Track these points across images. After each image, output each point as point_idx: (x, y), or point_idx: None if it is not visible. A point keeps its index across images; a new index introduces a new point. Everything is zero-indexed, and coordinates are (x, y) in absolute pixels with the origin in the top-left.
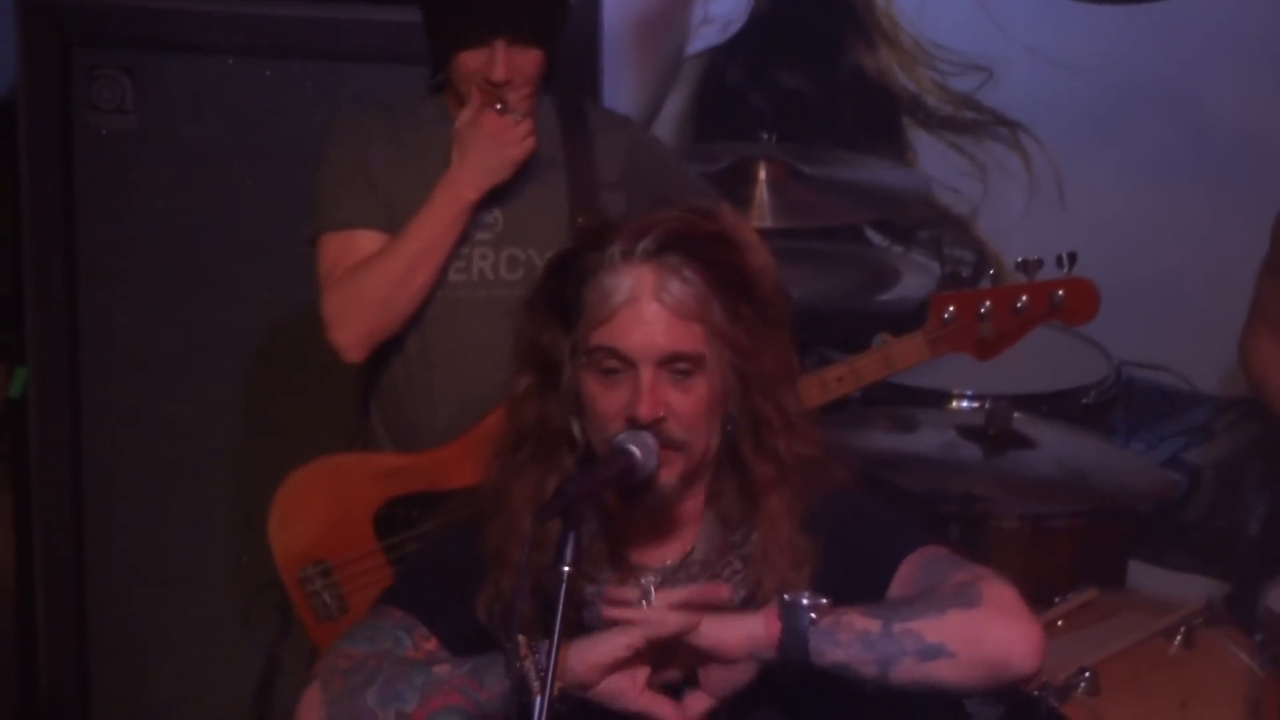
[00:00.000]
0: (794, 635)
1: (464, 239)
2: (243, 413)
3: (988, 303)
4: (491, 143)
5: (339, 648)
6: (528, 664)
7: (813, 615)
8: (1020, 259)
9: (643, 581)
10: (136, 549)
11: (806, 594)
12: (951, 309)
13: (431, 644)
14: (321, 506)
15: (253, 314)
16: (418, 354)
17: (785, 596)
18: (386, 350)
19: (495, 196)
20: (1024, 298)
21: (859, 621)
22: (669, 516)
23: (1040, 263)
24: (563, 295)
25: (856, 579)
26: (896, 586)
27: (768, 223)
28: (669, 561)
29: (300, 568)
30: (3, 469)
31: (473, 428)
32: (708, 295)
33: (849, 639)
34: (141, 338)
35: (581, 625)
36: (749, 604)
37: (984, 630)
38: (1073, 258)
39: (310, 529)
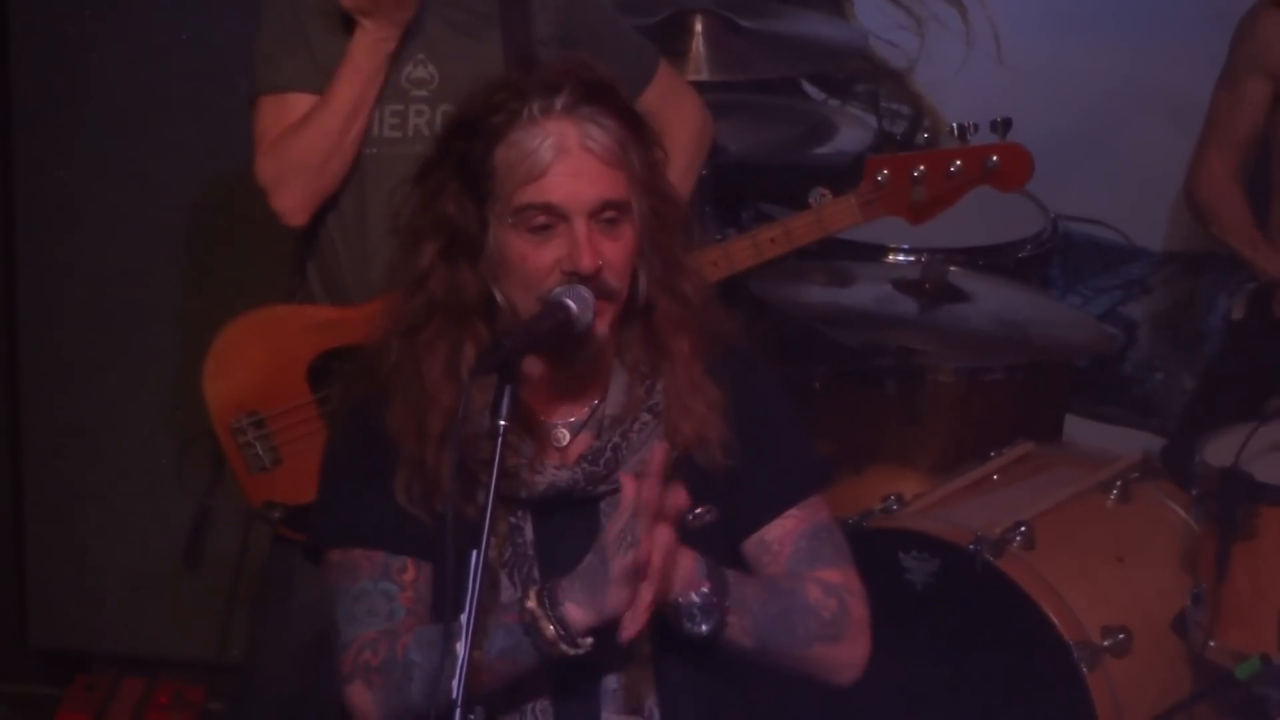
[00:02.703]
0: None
1: (400, 96)
2: (180, 267)
3: (921, 166)
4: (385, 1)
5: (352, 638)
6: (545, 623)
7: (703, 627)
8: (955, 124)
9: (557, 430)
10: (73, 402)
11: (701, 594)
12: (885, 172)
13: (409, 572)
14: (256, 357)
15: (189, 167)
16: (353, 211)
17: (681, 601)
18: (322, 209)
19: (431, 53)
20: (957, 162)
21: (742, 639)
22: (578, 372)
23: (975, 127)
24: (468, 160)
25: (751, 455)
26: (776, 531)
27: (704, 75)
28: (576, 417)
29: (233, 418)
30: None
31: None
32: (626, 141)
33: (734, 638)
34: (77, 190)
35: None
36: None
37: (834, 660)
38: (1007, 124)
39: (244, 379)
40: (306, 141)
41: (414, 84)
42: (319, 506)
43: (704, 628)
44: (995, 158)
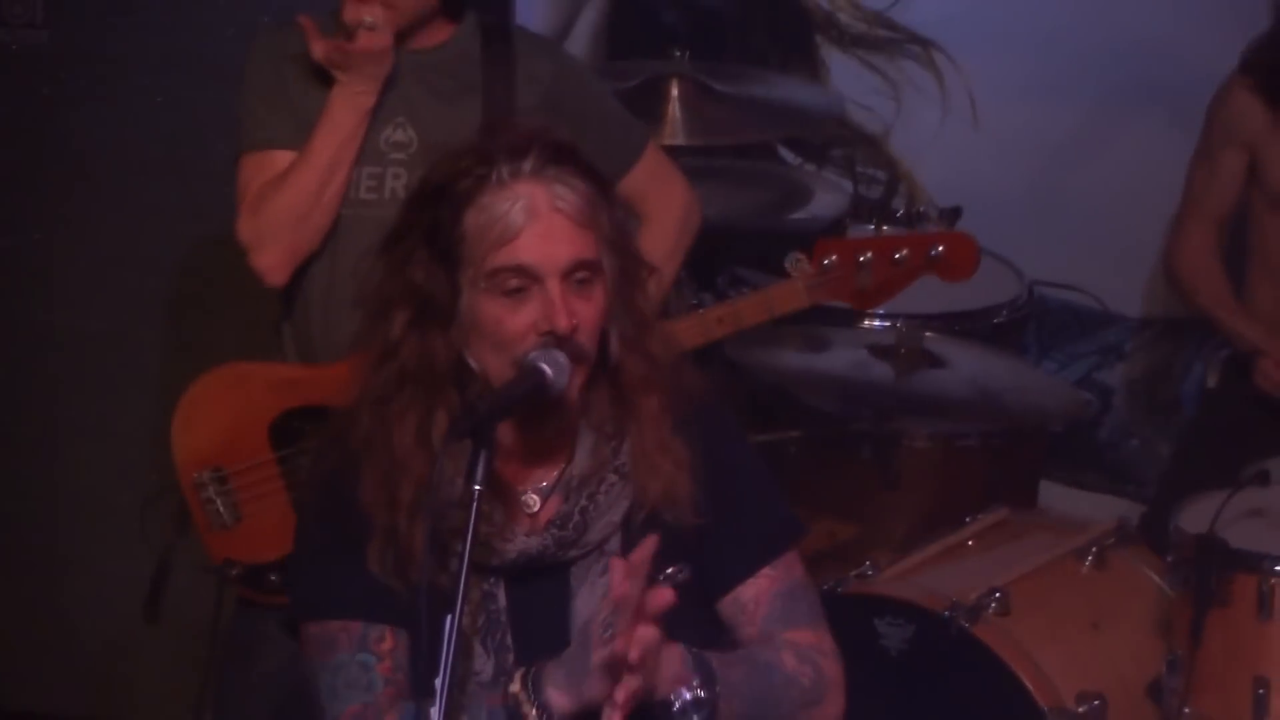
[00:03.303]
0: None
1: (378, 158)
2: (156, 331)
3: (868, 253)
4: (359, 56)
5: (336, 715)
6: (528, 708)
7: (699, 714)
8: (902, 210)
9: (527, 496)
10: (46, 465)
11: (691, 689)
12: (833, 257)
13: (386, 641)
14: (222, 413)
15: (169, 231)
16: (325, 271)
17: (671, 698)
18: (299, 269)
19: (411, 116)
20: (904, 250)
21: (727, 712)
22: (547, 436)
23: (923, 215)
24: (438, 227)
25: (721, 512)
26: (750, 590)
27: (680, 140)
28: (546, 482)
29: (197, 472)
30: None
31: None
32: (595, 201)
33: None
34: (55, 255)
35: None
36: (634, 515)
37: None
38: (956, 213)
39: (209, 434)
40: (284, 199)
41: (393, 147)
42: (293, 580)
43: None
44: (940, 247)
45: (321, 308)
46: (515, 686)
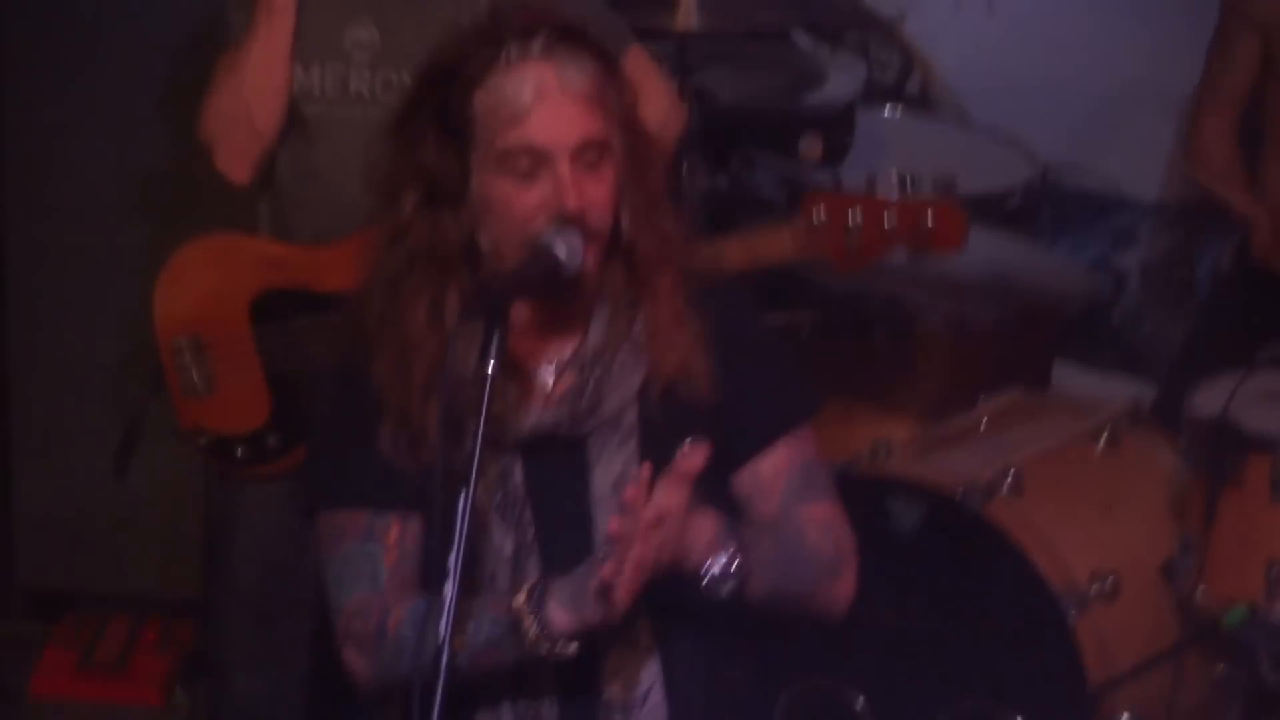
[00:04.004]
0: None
1: (343, 57)
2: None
3: (858, 215)
4: None
5: (341, 603)
6: (528, 621)
7: (726, 590)
8: (895, 175)
9: (541, 372)
10: (62, 344)
11: (728, 557)
12: (822, 212)
13: (393, 533)
14: (205, 281)
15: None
16: (293, 168)
17: (705, 567)
18: (267, 168)
19: (376, 15)
20: (894, 218)
21: (756, 595)
22: (562, 314)
23: (917, 181)
24: (447, 108)
25: (737, 386)
26: (768, 464)
27: (694, 25)
28: (560, 358)
29: (174, 338)
30: None
31: (355, 233)
32: (603, 81)
33: (750, 594)
34: (65, 131)
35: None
36: (650, 388)
37: (832, 596)
38: (950, 184)
39: (190, 301)
40: (224, 100)
41: (356, 46)
42: (307, 468)
43: (726, 591)
44: (930, 220)
45: (295, 205)
46: (520, 599)
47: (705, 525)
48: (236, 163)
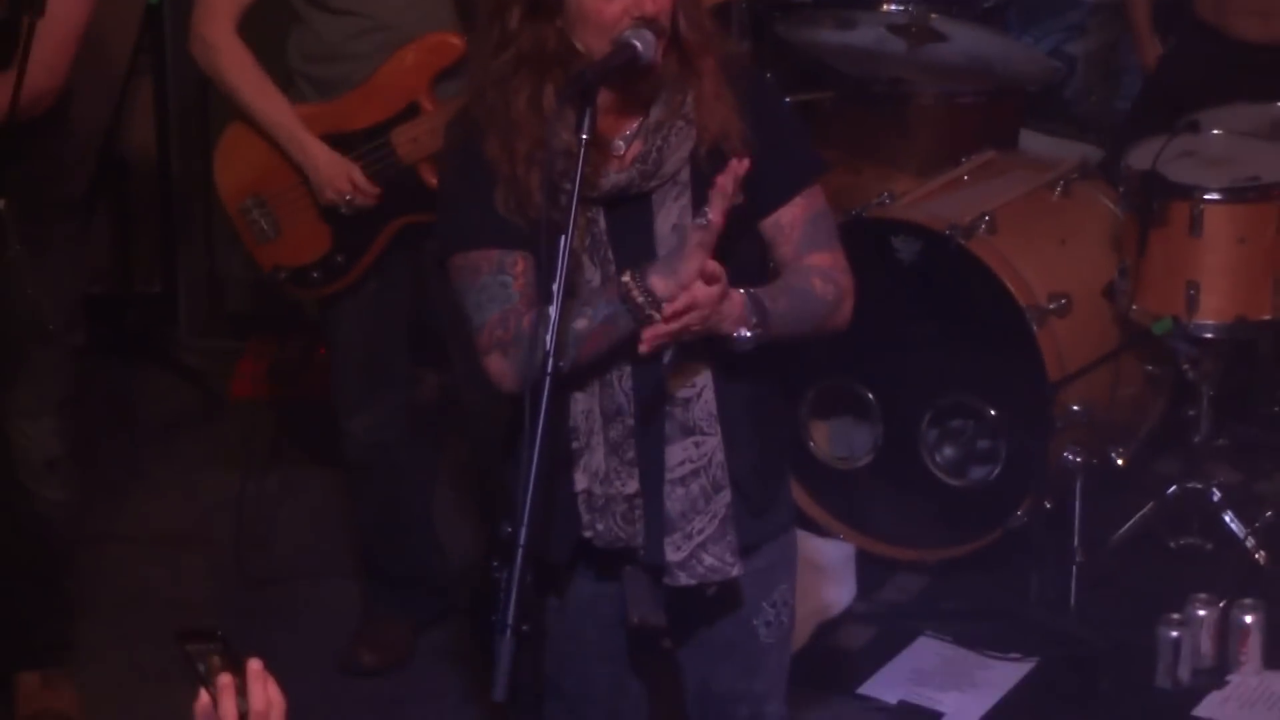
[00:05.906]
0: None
1: None
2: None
3: None
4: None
5: (482, 321)
6: (635, 292)
7: (750, 347)
8: None
9: (616, 142)
10: None
11: (750, 327)
12: None
13: (519, 264)
14: (255, 150)
15: None
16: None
17: (733, 335)
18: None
19: None
20: None
21: (774, 333)
22: (637, 97)
23: None
24: None
25: (764, 148)
26: (788, 214)
27: None
28: (629, 130)
29: (240, 201)
30: (145, 60)
31: (367, 80)
32: None
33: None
34: None
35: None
36: (699, 151)
37: (835, 325)
38: None
39: (244, 169)
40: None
41: None
42: (441, 222)
43: (750, 348)
44: None
45: (320, 47)
46: (626, 276)
47: (734, 302)
48: (215, 23)
